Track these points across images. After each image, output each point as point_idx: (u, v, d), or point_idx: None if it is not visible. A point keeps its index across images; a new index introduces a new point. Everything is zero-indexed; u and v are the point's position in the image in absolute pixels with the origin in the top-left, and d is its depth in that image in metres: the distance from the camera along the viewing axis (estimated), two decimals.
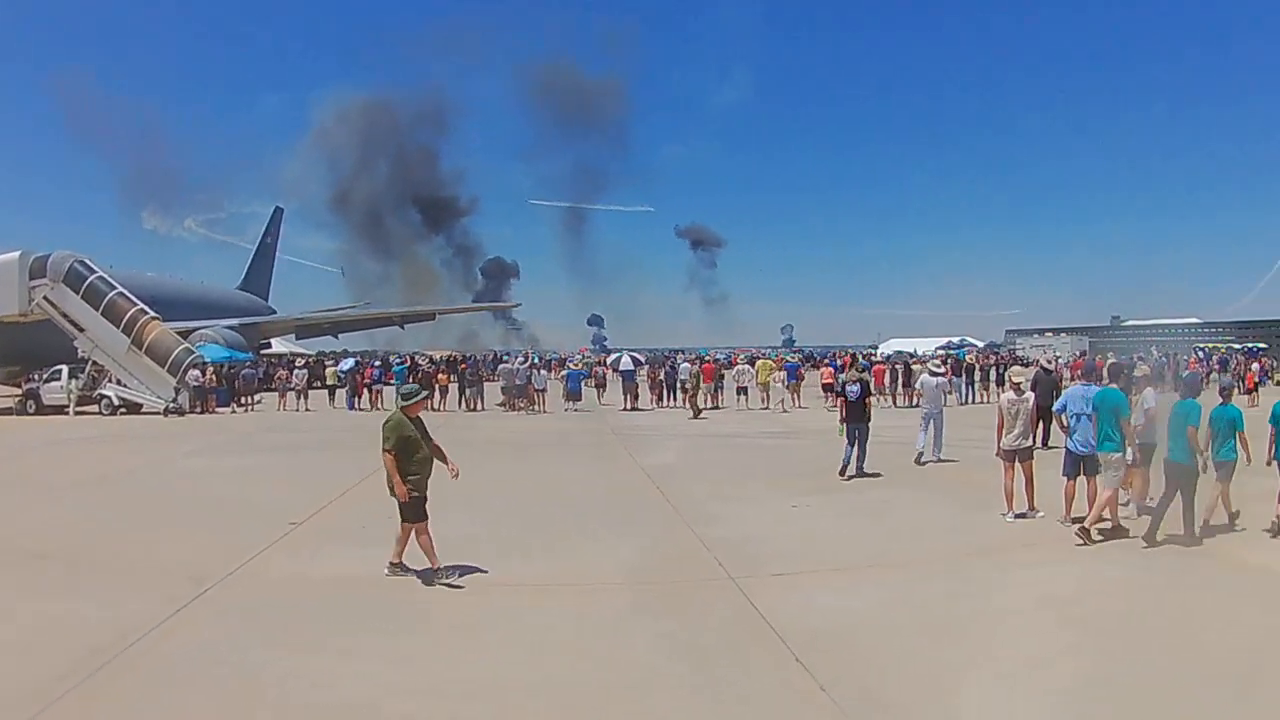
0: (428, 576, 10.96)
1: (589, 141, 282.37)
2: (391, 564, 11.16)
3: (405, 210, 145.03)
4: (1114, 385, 14.32)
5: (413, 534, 11.05)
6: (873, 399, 21.41)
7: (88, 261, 42.41)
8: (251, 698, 7.42)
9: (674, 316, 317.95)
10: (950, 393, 23.24)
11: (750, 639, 8.84)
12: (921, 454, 20.91)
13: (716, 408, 39.88)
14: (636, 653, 8.49)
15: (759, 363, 43.44)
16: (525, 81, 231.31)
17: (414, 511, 10.95)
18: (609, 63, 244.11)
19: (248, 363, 52.25)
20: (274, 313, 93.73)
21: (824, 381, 41.27)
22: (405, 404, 11.41)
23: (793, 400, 40.03)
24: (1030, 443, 14.80)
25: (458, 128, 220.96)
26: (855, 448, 19.17)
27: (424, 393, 12.14)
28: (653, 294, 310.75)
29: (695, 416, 35.80)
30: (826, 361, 52.58)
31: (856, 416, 19.35)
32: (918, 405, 28.85)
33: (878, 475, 19.12)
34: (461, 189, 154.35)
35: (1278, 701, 7.21)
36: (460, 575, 11.10)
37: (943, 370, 24.89)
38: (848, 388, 19.66)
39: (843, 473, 18.88)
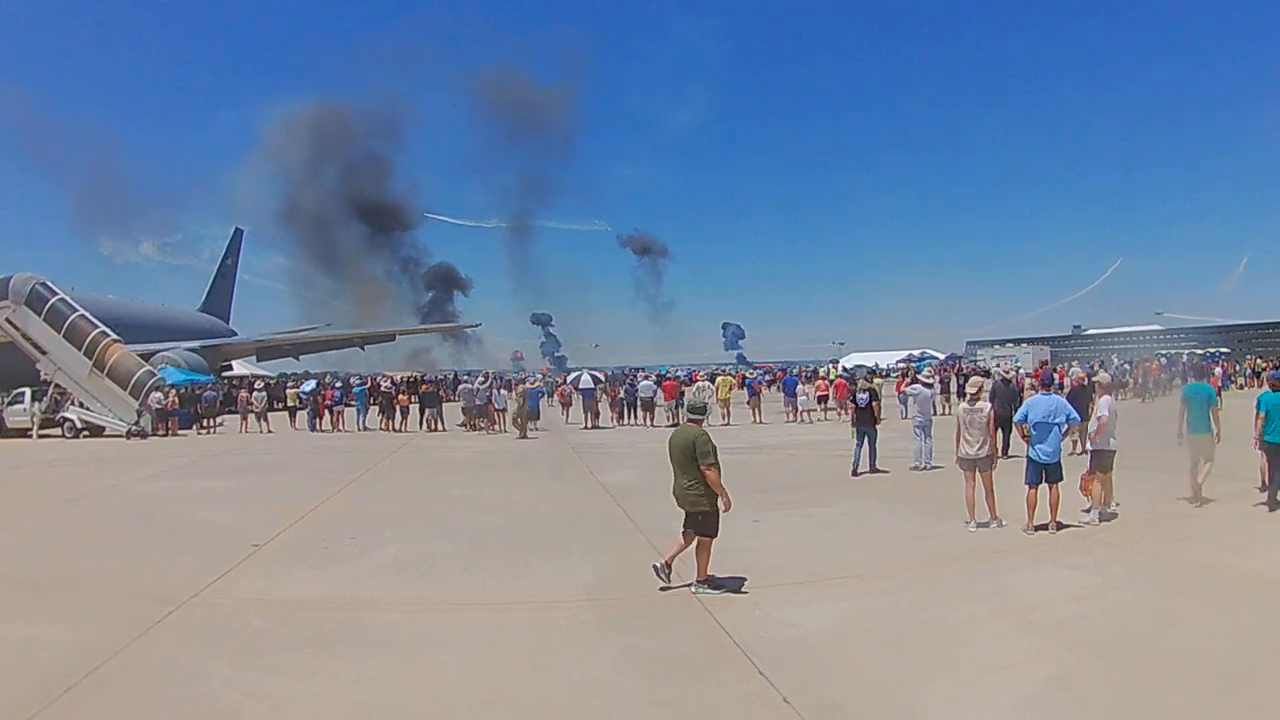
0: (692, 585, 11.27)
1: (540, 156, 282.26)
2: (667, 564, 11.34)
3: (356, 226, 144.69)
4: (1201, 381, 18.99)
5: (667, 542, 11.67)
6: (879, 404, 22.76)
7: (49, 284, 42.23)
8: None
9: (629, 335, 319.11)
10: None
11: (714, 653, 8.87)
12: (916, 465, 21.85)
13: (676, 425, 39.35)
14: (599, 669, 8.49)
15: (719, 379, 43.87)
16: (477, 93, 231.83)
17: (716, 526, 11.26)
18: (563, 80, 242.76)
19: (209, 385, 52.02)
20: (235, 334, 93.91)
21: (819, 393, 42.56)
22: (696, 417, 11.76)
23: (754, 415, 40.55)
24: (989, 452, 14.86)
25: (410, 144, 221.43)
26: (866, 447, 21.21)
27: (711, 407, 12.38)
28: (608, 312, 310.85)
29: (522, 436, 35.96)
30: (822, 375, 52.96)
31: (865, 420, 21.40)
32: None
33: (886, 472, 21.12)
34: (414, 203, 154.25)
35: (1238, 704, 7.28)
36: (717, 590, 11.26)
37: (932, 381, 26.19)
38: (857, 395, 22.22)
39: (854, 472, 20.78)
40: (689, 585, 11.22)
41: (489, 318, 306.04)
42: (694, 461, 11.06)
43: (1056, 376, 34.40)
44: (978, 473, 14.67)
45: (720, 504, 11.21)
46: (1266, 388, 16.16)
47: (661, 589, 11.08)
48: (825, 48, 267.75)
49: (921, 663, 8.42)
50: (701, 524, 11.15)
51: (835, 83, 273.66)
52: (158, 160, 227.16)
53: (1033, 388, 23.15)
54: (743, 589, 11.25)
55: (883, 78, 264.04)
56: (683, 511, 11.29)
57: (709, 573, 11.31)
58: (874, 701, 7.53)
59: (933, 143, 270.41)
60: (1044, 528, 13.93)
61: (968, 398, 15.39)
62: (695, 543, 11.28)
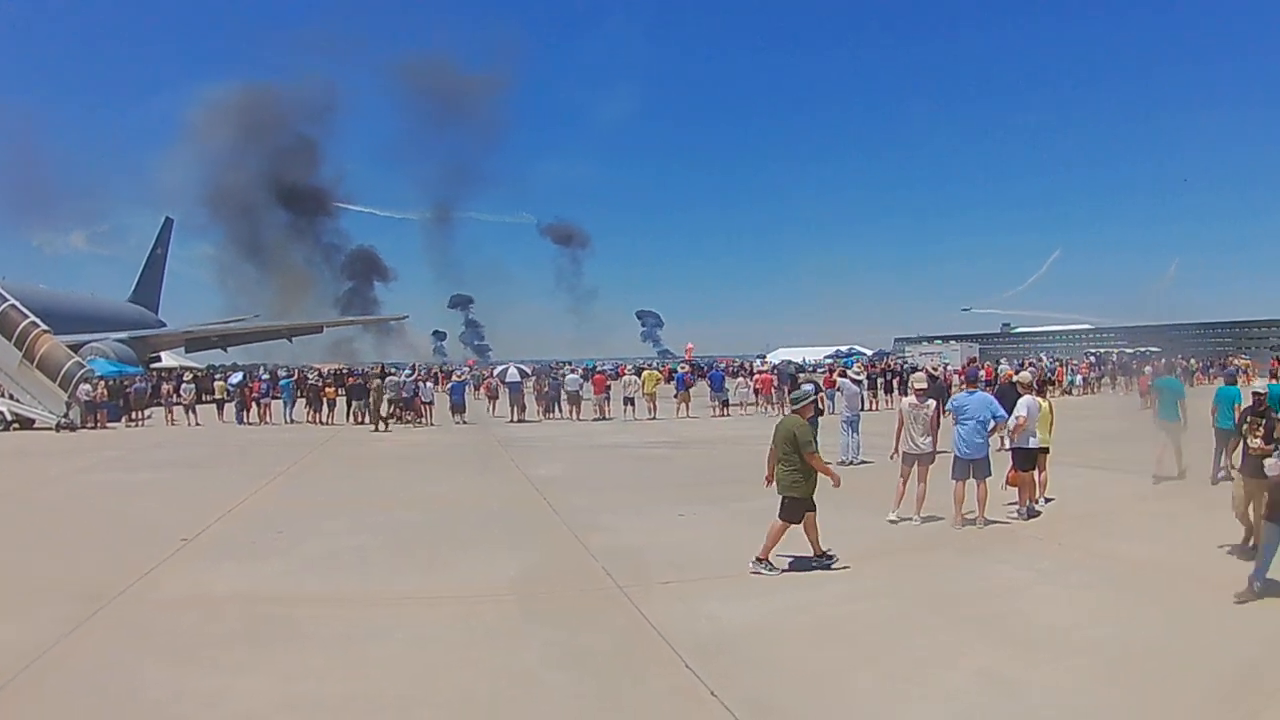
0: (820, 563, 11.99)
1: (467, 147, 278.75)
2: (759, 560, 11.75)
3: (281, 214, 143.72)
4: (1171, 376, 21.63)
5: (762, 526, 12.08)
6: (823, 396, 22.96)
7: None
8: (146, 717, 7.49)
9: (554, 328, 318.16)
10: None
11: (640, 647, 9.00)
12: (844, 459, 21.82)
13: (603, 418, 40.36)
14: (525, 663, 8.56)
15: (645, 373, 43.90)
16: (405, 80, 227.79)
17: (804, 509, 11.93)
18: (492, 70, 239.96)
19: (138, 376, 51.52)
20: (164, 325, 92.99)
21: (755, 387, 43.14)
22: (798, 407, 12.47)
23: (681, 410, 40.86)
24: (932, 448, 15.11)
25: (338, 131, 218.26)
26: None
27: (814, 395, 12.83)
28: (531, 306, 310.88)
29: (385, 429, 36.65)
30: (760, 370, 53.38)
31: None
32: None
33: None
34: (337, 191, 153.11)
35: (1164, 696, 7.48)
36: (835, 563, 11.98)
37: (861, 377, 26.84)
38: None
39: None
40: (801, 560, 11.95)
41: (410, 308, 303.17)
42: (795, 449, 11.75)
43: (983, 374, 34.96)
44: (916, 467, 14.88)
45: (830, 482, 12.01)
46: (1221, 382, 18.77)
47: (753, 572, 11.60)
48: (754, 45, 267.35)
49: (850, 656, 8.58)
50: (791, 507, 11.84)
51: (766, 80, 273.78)
52: (85, 148, 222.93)
53: (961, 385, 23.71)
54: (836, 565, 11.96)
55: (813, 76, 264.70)
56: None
57: (767, 553, 11.86)
58: (802, 694, 7.65)
59: (863, 141, 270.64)
60: (971, 523, 14.21)
61: (914, 393, 15.53)
62: (774, 523, 11.88)
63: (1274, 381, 19.29)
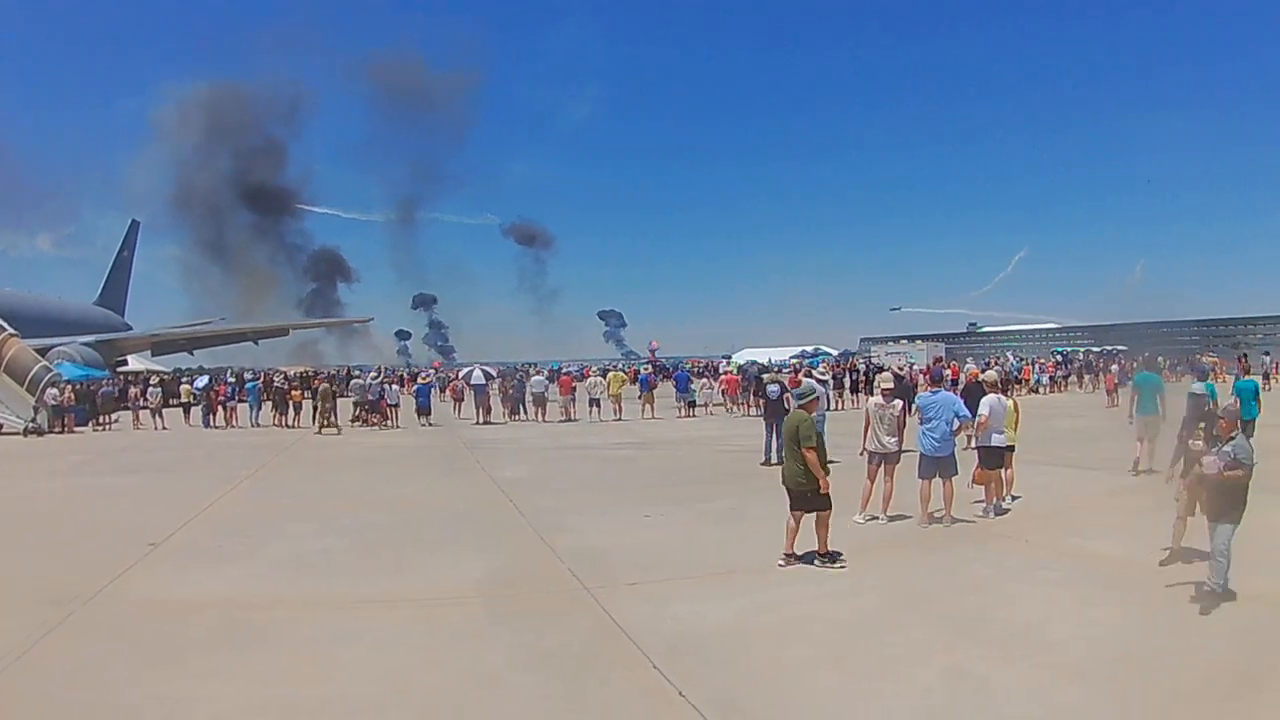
0: (813, 559, 12.06)
1: (434, 146, 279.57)
2: (787, 555, 12.09)
3: (247, 215, 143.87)
4: (1150, 371, 20.29)
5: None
6: (789, 396, 22.98)
7: None
8: None
9: (519, 329, 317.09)
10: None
11: (607, 648, 9.01)
12: None
13: (568, 420, 40.34)
14: (491, 665, 8.56)
15: (610, 375, 44.45)
16: (373, 79, 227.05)
17: (829, 500, 12.13)
18: (460, 70, 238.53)
19: (106, 380, 51.27)
20: (130, 329, 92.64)
21: (721, 388, 43.51)
22: (803, 402, 12.66)
23: (646, 411, 40.94)
24: (899, 448, 15.13)
25: (305, 131, 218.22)
26: (775, 438, 21.29)
27: (817, 392, 13.05)
28: (498, 307, 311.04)
29: (320, 431, 36.37)
30: (727, 371, 53.73)
31: (776, 411, 21.46)
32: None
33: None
34: (303, 191, 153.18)
35: (1130, 692, 7.52)
36: (841, 562, 11.99)
37: (827, 378, 27.02)
38: (768, 387, 22.46)
39: (766, 462, 21.28)
40: (811, 560, 12.03)
41: (374, 310, 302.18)
42: (798, 443, 11.96)
43: (949, 373, 35.08)
44: (883, 466, 14.89)
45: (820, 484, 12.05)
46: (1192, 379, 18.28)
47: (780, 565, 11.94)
48: (729, 44, 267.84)
49: (818, 655, 8.59)
50: (811, 501, 12.04)
51: (741, 80, 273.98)
52: (51, 150, 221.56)
53: (926, 384, 23.85)
54: (839, 562, 12.00)
55: (778, 78, 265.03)
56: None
57: (829, 547, 12.08)
58: (771, 694, 7.65)
59: (839, 142, 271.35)
60: (938, 521, 14.29)
61: (880, 393, 15.53)
62: (814, 519, 12.15)
63: (1245, 377, 19.41)
